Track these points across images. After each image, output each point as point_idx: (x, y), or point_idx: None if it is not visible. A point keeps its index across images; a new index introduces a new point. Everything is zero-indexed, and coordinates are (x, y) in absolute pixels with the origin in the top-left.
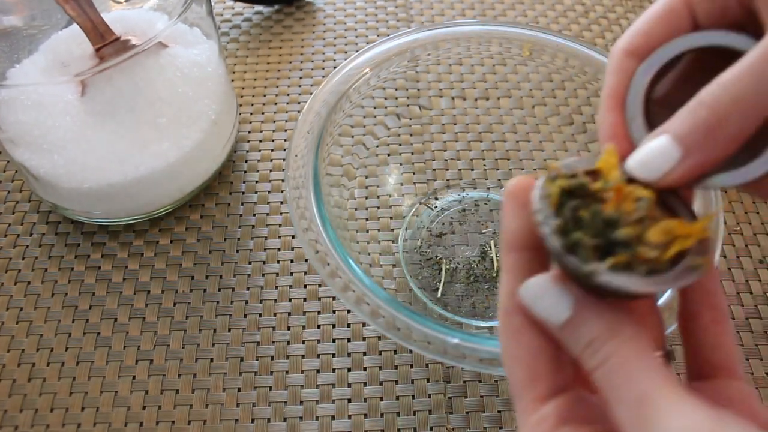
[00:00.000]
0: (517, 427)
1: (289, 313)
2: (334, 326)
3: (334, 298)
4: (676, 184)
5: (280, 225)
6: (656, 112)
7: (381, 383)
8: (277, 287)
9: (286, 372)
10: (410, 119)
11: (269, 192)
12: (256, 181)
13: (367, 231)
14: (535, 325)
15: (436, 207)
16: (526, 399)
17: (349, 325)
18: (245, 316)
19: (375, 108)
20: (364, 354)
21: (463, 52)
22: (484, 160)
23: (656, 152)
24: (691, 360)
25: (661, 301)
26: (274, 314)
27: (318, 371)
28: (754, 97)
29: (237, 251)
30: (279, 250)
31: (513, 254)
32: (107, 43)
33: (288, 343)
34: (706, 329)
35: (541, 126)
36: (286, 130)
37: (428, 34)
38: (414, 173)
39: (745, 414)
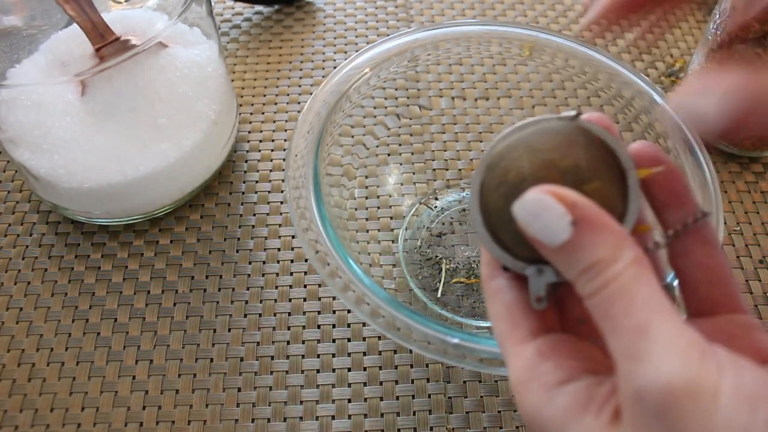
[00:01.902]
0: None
1: (289, 313)
2: (334, 326)
3: (334, 298)
4: None
5: (280, 225)
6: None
7: (381, 383)
8: (277, 287)
9: (286, 372)
10: (410, 119)
11: (269, 192)
12: (256, 181)
13: (367, 231)
14: (509, 286)
15: (436, 207)
16: (509, 346)
17: (349, 325)
18: (245, 316)
19: (375, 108)
20: (364, 354)
21: (463, 52)
22: None
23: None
24: (689, 298)
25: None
26: (274, 314)
27: (318, 371)
28: None
29: (237, 251)
30: (279, 250)
31: None
32: (107, 43)
33: (288, 343)
34: (699, 265)
35: None
36: (286, 130)
37: (428, 34)
38: (414, 173)
39: (747, 348)
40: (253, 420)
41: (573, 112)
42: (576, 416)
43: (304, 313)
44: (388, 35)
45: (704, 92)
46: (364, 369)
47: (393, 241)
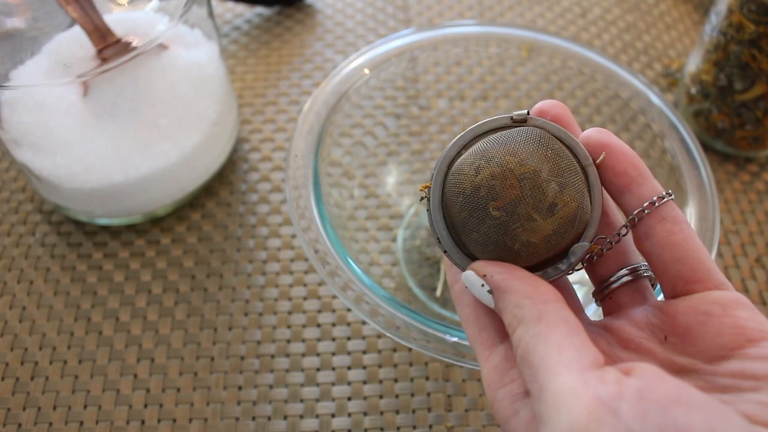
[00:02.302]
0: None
1: (290, 312)
2: (334, 325)
3: (334, 297)
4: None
5: (280, 225)
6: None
7: (380, 381)
8: (277, 286)
9: (287, 370)
10: (409, 120)
11: (269, 192)
12: (257, 181)
13: (367, 231)
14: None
15: None
16: (479, 350)
17: (348, 324)
18: (246, 315)
19: (374, 108)
20: (364, 352)
21: (461, 53)
22: None
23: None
24: (662, 280)
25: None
26: (275, 313)
27: (318, 370)
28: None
29: (238, 251)
30: (279, 249)
31: None
32: (109, 45)
33: (288, 341)
34: (663, 244)
35: None
36: (286, 131)
37: (427, 36)
38: (413, 173)
39: (727, 327)
40: (253, 418)
41: (525, 111)
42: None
43: (305, 312)
44: (387, 36)
45: None
46: (364, 367)
47: (392, 241)
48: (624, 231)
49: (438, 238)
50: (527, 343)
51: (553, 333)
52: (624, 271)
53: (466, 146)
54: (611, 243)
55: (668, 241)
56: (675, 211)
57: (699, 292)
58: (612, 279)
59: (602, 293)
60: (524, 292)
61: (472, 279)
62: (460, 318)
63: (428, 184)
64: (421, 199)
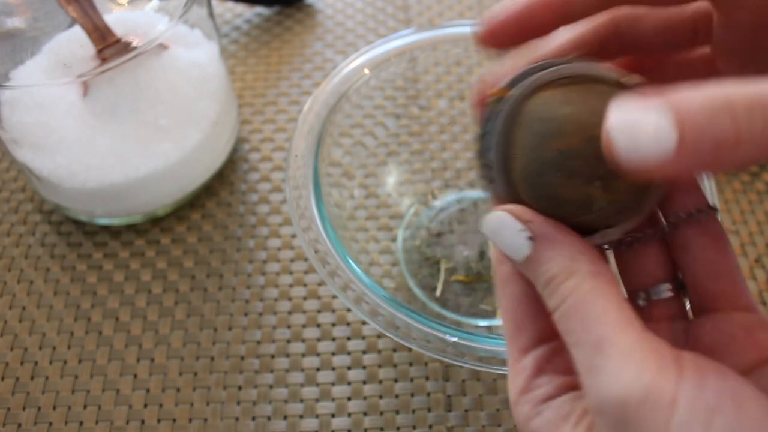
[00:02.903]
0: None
1: (290, 312)
2: (334, 325)
3: (334, 297)
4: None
5: (280, 225)
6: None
7: (380, 381)
8: (277, 286)
9: (287, 370)
10: (409, 120)
11: (270, 192)
12: (257, 181)
13: (367, 231)
14: (517, 275)
15: (435, 207)
16: (512, 349)
17: (348, 324)
18: (246, 315)
19: (374, 108)
20: (364, 352)
21: (461, 53)
22: None
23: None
24: (692, 294)
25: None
26: (275, 313)
27: (318, 369)
28: None
29: (238, 251)
30: (279, 249)
31: None
32: (109, 45)
33: (288, 341)
34: (698, 258)
35: None
36: (286, 131)
37: (427, 36)
38: (413, 173)
39: (749, 350)
40: (253, 418)
41: (637, 78)
42: (556, 428)
43: (305, 312)
44: (388, 36)
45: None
46: (364, 367)
47: (392, 241)
48: (658, 234)
49: (487, 149)
50: (582, 296)
51: (611, 290)
52: (666, 286)
53: (561, 80)
54: (638, 240)
55: (704, 257)
56: (717, 227)
57: (726, 309)
58: (652, 291)
59: (636, 302)
60: (578, 247)
61: (506, 221)
62: (501, 308)
63: (502, 91)
64: (494, 101)
